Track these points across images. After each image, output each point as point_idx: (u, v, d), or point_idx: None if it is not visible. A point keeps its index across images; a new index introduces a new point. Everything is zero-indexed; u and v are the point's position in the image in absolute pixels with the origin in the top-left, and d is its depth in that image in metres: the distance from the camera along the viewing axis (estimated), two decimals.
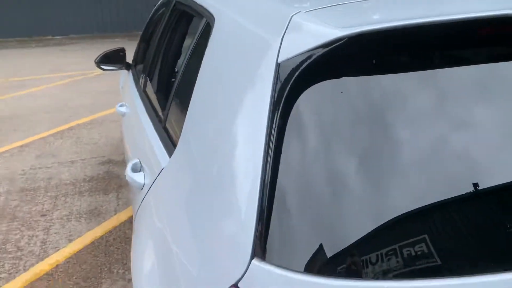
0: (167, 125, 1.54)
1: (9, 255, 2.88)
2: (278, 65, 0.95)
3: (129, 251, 2.86)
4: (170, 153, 1.36)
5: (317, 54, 0.89)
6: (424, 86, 0.93)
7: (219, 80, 1.19)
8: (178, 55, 1.93)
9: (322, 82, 0.91)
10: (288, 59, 0.93)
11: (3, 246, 2.97)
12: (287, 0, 1.17)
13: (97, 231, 3.13)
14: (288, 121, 0.89)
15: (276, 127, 0.88)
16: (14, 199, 3.60)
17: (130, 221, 3.24)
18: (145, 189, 1.49)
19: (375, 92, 0.91)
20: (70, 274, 2.68)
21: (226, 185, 0.95)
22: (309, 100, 0.90)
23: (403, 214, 0.83)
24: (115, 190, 3.72)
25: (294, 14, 1.01)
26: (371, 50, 0.91)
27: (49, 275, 2.68)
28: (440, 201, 0.84)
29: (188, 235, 1.06)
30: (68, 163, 4.27)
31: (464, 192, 0.85)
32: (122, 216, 3.31)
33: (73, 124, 5.43)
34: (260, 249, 0.84)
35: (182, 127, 1.31)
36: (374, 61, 0.92)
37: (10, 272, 2.72)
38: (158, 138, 1.58)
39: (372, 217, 0.83)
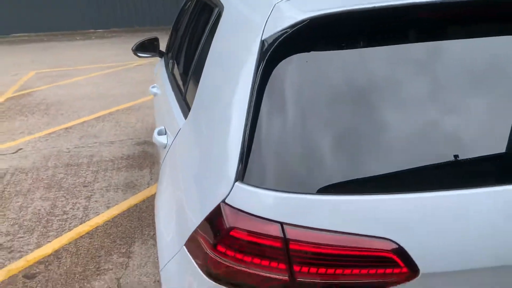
0: (186, 97, 1.87)
1: (57, 218, 3.31)
2: (262, 41, 1.25)
3: None
4: (180, 125, 1.70)
5: (288, 32, 1.19)
6: (370, 56, 1.20)
7: (222, 55, 1.50)
8: (197, 40, 2.26)
9: (291, 52, 1.20)
10: (269, 37, 1.23)
11: (52, 210, 3.42)
12: None
13: (132, 201, 3.52)
14: (268, 79, 1.19)
15: (258, 83, 1.19)
16: (61, 173, 4.06)
17: None
18: (167, 148, 1.83)
19: (325, 59, 1.20)
20: (108, 234, 3.08)
21: (219, 131, 1.27)
22: (282, 66, 1.20)
23: (358, 136, 1.11)
24: (148, 166, 4.11)
25: (277, 2, 1.30)
26: (326, 29, 1.20)
27: (90, 234, 3.09)
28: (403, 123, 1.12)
29: (192, 171, 1.38)
30: (107, 144, 4.71)
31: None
32: (154, 189, 3.69)
33: (113, 110, 5.89)
34: (241, 175, 1.14)
35: (193, 98, 1.63)
36: (331, 37, 1.20)
37: (57, 230, 3.15)
38: (178, 108, 1.91)
39: (326, 142, 1.12)
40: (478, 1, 1.23)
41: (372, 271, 1.04)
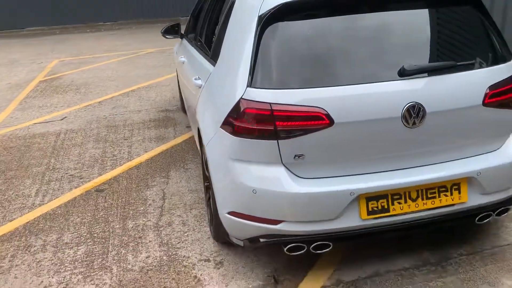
0: (213, 54, 3.02)
1: (109, 159, 4.46)
2: (259, 17, 2.39)
3: (185, 156, 4.39)
4: (211, 70, 2.85)
5: (271, 11, 2.33)
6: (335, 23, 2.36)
7: (237, 24, 2.64)
8: (216, 19, 3.39)
9: (275, 21, 2.34)
10: (263, 13, 2.37)
11: (104, 154, 4.57)
12: None
13: (163, 147, 4.68)
14: (263, 34, 2.32)
15: (257, 36, 2.32)
16: (103, 132, 5.21)
17: (185, 142, 4.77)
18: (202, 86, 2.98)
19: (294, 22, 2.35)
20: (149, 166, 4.24)
21: (237, 64, 2.41)
22: (270, 28, 2.33)
23: (318, 61, 2.27)
24: (172, 126, 5.26)
25: None
26: (292, 9, 2.34)
27: (136, 167, 4.24)
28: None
29: (222, 88, 2.54)
30: (136, 111, 5.85)
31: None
32: (179, 140, 4.84)
33: (134, 88, 7.03)
34: (249, 83, 2.29)
35: (219, 52, 2.78)
36: (295, 13, 2.35)
37: (111, 166, 4.30)
38: (207, 62, 3.06)
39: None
40: None
41: (312, 122, 2.19)
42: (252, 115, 2.26)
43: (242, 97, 2.30)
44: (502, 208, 2.56)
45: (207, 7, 3.80)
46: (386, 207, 2.33)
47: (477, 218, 2.53)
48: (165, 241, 3.09)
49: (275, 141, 2.24)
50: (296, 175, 2.29)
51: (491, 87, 2.35)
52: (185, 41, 4.49)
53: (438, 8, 2.53)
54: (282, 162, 2.28)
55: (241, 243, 2.57)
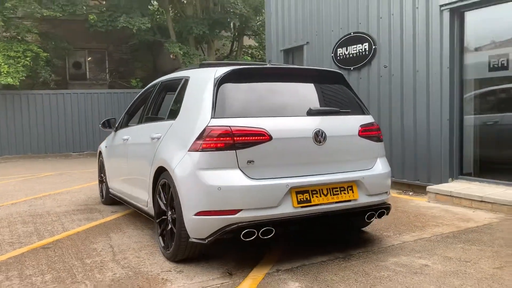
0: (168, 116, 4.02)
1: (45, 231, 4.74)
2: (215, 79, 3.56)
3: (121, 226, 4.90)
4: (170, 124, 3.86)
5: (223, 75, 3.53)
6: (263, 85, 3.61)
7: (195, 90, 3.75)
8: (163, 99, 4.47)
9: (225, 82, 3.52)
10: (217, 77, 3.54)
11: (37, 230, 4.83)
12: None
13: (95, 223, 5.11)
14: (218, 90, 3.47)
15: (216, 91, 3.45)
16: (29, 219, 5.43)
17: (116, 219, 5.27)
18: (160, 139, 3.90)
19: (238, 83, 3.57)
20: (88, 233, 4.65)
21: (197, 110, 3.46)
22: (222, 86, 3.50)
23: (260, 100, 3.44)
24: (98, 212, 5.71)
25: (216, 71, 3.67)
26: (236, 74, 3.57)
27: (76, 234, 4.61)
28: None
29: (183, 130, 3.52)
30: (56, 206, 6.16)
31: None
32: (108, 219, 5.32)
33: (45, 194, 7.29)
34: (212, 116, 3.34)
35: (179, 111, 3.82)
36: (238, 77, 3.59)
37: (49, 235, 4.60)
38: (165, 122, 4.03)
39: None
40: (288, 71, 3.79)
41: (258, 138, 3.27)
42: (216, 134, 3.26)
43: (208, 124, 3.32)
44: (380, 210, 3.76)
45: (151, 98, 4.87)
46: (308, 198, 3.36)
47: (366, 216, 3.67)
48: (126, 265, 3.58)
49: (234, 151, 3.23)
50: (249, 177, 3.25)
51: (362, 125, 3.75)
52: (122, 130, 5.38)
53: (327, 83, 4.01)
54: (238, 166, 3.24)
55: (204, 241, 3.29)
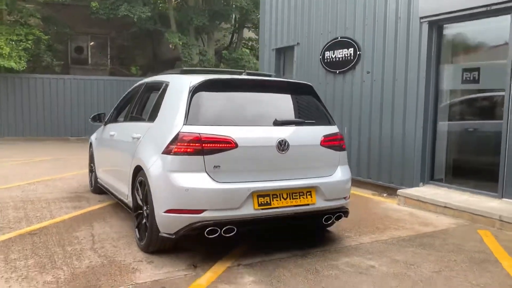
0: (148, 118, 4.34)
1: (33, 218, 5.10)
2: (189, 87, 3.87)
3: (104, 215, 5.26)
4: (149, 126, 4.18)
5: (197, 84, 3.84)
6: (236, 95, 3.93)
7: (173, 95, 4.07)
8: (148, 99, 4.78)
9: (200, 90, 3.83)
10: (192, 85, 3.86)
11: (27, 215, 5.19)
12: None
13: (81, 211, 5.47)
14: (192, 98, 3.78)
15: (190, 99, 3.77)
16: (20, 204, 5.79)
17: (100, 209, 5.62)
18: (140, 138, 4.22)
19: (211, 92, 3.88)
20: (73, 221, 5.01)
21: (173, 115, 3.78)
22: (197, 94, 3.82)
23: (232, 109, 3.76)
24: (85, 200, 6.07)
25: (192, 79, 3.98)
26: (209, 84, 3.89)
27: (61, 222, 4.97)
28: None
29: (160, 132, 3.84)
30: (47, 193, 6.52)
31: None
32: (94, 208, 5.68)
33: (39, 179, 7.65)
34: (185, 122, 3.66)
35: (157, 114, 4.14)
36: (211, 86, 3.90)
37: (37, 221, 4.96)
38: (144, 123, 4.35)
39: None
40: (260, 82, 4.10)
41: (225, 145, 3.59)
42: (187, 140, 3.58)
43: (180, 130, 3.64)
44: (338, 213, 4.10)
45: (137, 98, 5.19)
46: (268, 201, 3.70)
47: (323, 218, 4.01)
48: (102, 254, 3.94)
49: (202, 156, 3.56)
50: (214, 180, 3.58)
51: (324, 136, 4.07)
52: (110, 125, 5.71)
53: (296, 95, 4.31)
54: (205, 170, 3.57)
55: (172, 236, 3.64)
